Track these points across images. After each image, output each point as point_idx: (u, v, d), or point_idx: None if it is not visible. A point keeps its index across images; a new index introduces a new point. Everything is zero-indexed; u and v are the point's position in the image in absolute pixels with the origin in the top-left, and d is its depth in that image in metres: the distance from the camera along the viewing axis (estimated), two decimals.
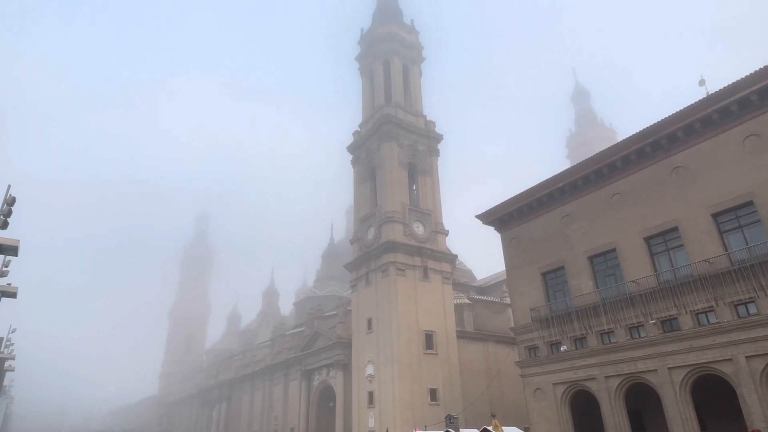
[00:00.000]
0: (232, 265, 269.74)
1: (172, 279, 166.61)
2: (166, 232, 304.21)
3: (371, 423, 41.87)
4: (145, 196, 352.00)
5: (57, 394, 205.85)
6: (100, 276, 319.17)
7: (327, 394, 53.25)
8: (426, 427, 36.27)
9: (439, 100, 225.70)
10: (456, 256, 50.52)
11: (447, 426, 32.48)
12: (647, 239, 27.30)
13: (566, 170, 32.49)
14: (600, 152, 30.33)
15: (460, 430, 32.05)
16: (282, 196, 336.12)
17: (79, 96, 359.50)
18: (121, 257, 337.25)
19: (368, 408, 42.74)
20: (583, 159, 32.22)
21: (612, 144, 30.85)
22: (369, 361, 44.27)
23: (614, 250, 28.72)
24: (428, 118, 54.93)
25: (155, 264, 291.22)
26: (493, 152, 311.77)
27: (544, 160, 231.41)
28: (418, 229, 47.77)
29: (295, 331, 68.88)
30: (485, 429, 26.83)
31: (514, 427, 28.89)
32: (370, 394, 43.03)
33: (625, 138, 28.99)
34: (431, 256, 46.80)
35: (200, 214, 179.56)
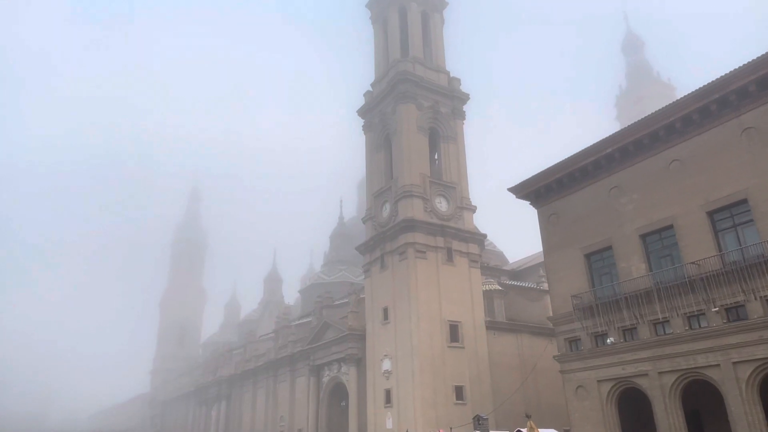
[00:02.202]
0: (229, 247, 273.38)
1: (162, 265, 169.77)
2: (154, 213, 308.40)
3: (389, 424, 42.67)
4: (128, 175, 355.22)
5: (38, 393, 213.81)
6: (84, 265, 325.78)
7: (339, 392, 54.30)
8: (451, 429, 36.85)
9: (466, 53, 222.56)
10: (485, 236, 50.48)
11: (475, 427, 33.04)
12: (711, 213, 26.93)
13: (615, 133, 32.08)
14: (656, 112, 29.76)
15: None
16: (284, 170, 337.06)
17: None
18: (106, 244, 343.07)
19: (385, 407, 43.52)
20: (636, 120, 31.69)
21: (670, 102, 30.21)
22: (385, 356, 44.88)
23: (671, 226, 28.42)
24: (452, 75, 54.31)
25: (143, 249, 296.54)
26: (529, 114, 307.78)
27: (589, 123, 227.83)
28: (441, 204, 47.68)
29: (301, 321, 69.94)
30: (519, 431, 27.19)
31: (553, 430, 29.22)
32: (387, 392, 43.74)
33: (686, 95, 28.44)
34: (456, 235, 46.80)
35: (191, 191, 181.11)
